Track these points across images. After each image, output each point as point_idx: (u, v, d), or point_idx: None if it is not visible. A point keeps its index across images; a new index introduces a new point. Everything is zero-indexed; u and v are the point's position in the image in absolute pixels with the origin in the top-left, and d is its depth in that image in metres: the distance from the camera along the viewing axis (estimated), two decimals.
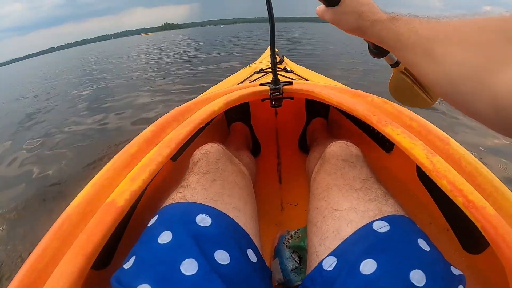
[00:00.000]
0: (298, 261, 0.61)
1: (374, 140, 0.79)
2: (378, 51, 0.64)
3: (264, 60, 1.73)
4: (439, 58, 0.26)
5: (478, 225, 0.34)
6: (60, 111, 3.61)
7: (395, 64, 0.94)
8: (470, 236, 0.48)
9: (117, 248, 0.48)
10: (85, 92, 4.50)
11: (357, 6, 0.38)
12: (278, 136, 1.07)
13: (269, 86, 0.71)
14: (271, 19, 0.64)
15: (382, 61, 0.55)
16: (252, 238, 0.39)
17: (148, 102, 3.37)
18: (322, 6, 0.43)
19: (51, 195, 1.64)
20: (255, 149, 0.99)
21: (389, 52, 0.68)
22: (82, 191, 0.42)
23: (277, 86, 0.70)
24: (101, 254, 0.37)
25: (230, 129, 1.00)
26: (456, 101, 0.25)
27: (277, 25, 0.67)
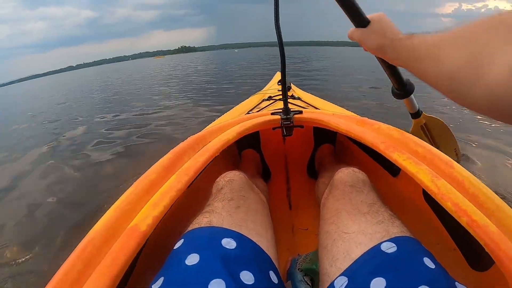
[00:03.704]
0: (310, 284, 0.61)
1: (381, 165, 0.81)
2: (400, 92, 0.72)
3: (272, 87, 1.78)
4: (441, 59, 0.30)
5: (482, 243, 0.35)
6: None
7: (416, 115, 0.99)
8: (476, 254, 0.50)
9: (133, 270, 0.48)
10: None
11: (382, 28, 0.48)
12: (287, 162, 1.08)
13: (280, 115, 0.72)
14: (281, 48, 0.63)
15: None
16: (273, 261, 0.41)
17: None
18: (353, 27, 0.54)
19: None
20: (265, 175, 1.00)
21: (410, 94, 0.76)
22: (104, 215, 0.43)
23: (288, 116, 0.71)
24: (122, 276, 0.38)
25: (241, 156, 1.01)
26: (454, 92, 0.29)
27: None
